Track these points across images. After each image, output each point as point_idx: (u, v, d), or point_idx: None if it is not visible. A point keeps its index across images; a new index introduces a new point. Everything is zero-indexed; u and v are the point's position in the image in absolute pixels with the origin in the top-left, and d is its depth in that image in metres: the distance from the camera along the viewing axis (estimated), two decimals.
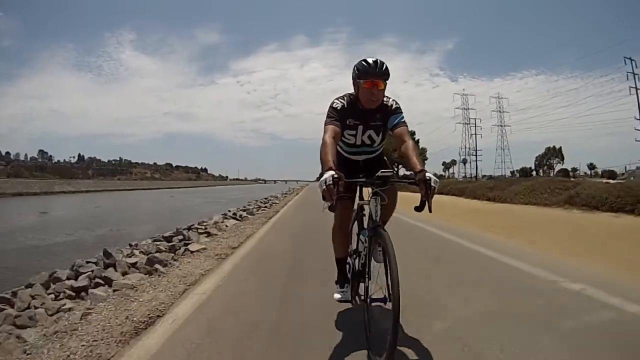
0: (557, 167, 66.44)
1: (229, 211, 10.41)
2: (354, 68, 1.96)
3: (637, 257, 3.93)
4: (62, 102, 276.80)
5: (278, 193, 26.98)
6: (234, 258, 4.16)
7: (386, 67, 1.91)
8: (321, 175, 1.62)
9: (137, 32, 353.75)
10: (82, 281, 3.82)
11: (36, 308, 3.23)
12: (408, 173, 27.09)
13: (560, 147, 66.75)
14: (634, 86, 34.95)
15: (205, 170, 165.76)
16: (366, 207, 2.01)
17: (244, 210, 11.03)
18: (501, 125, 61.90)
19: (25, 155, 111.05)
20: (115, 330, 2.09)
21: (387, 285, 1.63)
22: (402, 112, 2.01)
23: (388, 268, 1.62)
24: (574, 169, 67.86)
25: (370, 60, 1.91)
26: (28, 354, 1.92)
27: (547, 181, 14.11)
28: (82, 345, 1.93)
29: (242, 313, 2.37)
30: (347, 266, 2.28)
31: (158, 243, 5.57)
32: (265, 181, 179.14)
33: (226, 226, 7.36)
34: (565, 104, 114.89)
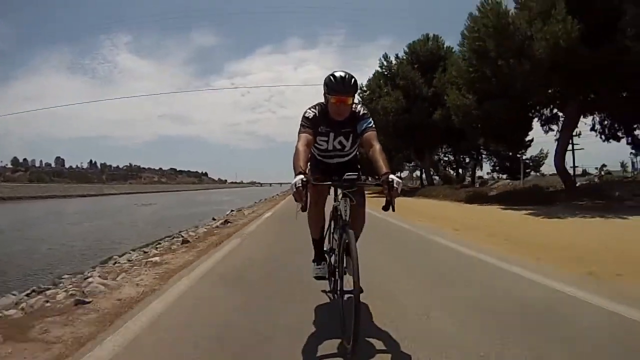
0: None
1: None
2: (324, 82, 2.06)
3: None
4: (56, 104, 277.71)
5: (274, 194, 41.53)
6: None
7: (354, 82, 2.04)
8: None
9: (133, 34, 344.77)
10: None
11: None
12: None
13: None
14: None
15: (206, 174, 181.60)
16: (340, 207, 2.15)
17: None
18: None
19: (41, 161, 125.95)
20: (269, 205, 17.42)
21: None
22: (369, 118, 2.15)
23: (350, 262, 1.77)
24: None
25: (338, 76, 2.03)
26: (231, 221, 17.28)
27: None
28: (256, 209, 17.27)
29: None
30: (324, 245, 2.48)
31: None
32: (261, 184, 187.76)
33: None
34: None
